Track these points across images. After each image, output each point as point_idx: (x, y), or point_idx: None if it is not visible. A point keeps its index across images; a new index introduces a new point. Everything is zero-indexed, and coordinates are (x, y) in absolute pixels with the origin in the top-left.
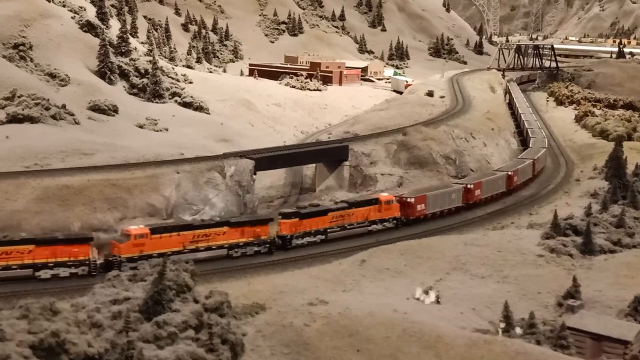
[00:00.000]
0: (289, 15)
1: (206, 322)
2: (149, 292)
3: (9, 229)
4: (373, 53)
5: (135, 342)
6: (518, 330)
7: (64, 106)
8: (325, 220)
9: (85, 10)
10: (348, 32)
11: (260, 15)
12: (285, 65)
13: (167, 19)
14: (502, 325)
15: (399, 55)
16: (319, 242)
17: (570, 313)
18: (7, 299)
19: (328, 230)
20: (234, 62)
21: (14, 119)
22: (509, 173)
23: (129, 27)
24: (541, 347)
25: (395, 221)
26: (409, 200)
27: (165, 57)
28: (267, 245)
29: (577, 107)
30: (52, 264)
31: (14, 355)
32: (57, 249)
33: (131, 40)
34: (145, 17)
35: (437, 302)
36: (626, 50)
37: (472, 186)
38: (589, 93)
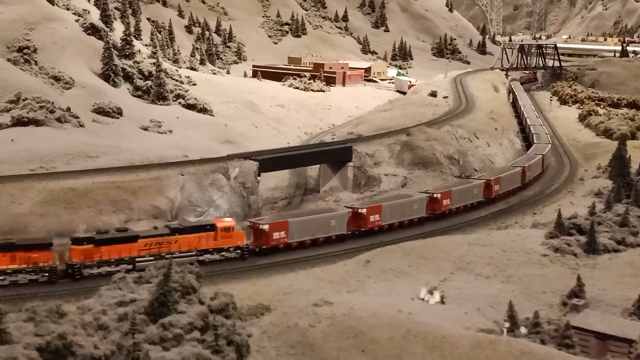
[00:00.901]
0: (292, 16)
1: (212, 324)
2: (154, 294)
3: (15, 232)
4: (376, 53)
5: (141, 344)
6: (523, 330)
7: (68, 109)
8: (134, 247)
9: (89, 13)
10: (351, 33)
11: (263, 16)
12: (289, 67)
13: (170, 21)
14: (507, 325)
15: (402, 55)
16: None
17: (574, 312)
18: (13, 302)
19: (137, 259)
20: (237, 63)
21: (18, 122)
22: (435, 195)
23: (132, 29)
24: (546, 347)
25: (239, 251)
26: (261, 227)
27: (169, 59)
28: (46, 274)
29: (581, 106)
30: None
31: (21, 357)
32: None
33: (135, 42)
34: (148, 19)
35: (442, 302)
36: (630, 49)
37: (364, 211)
38: (593, 92)
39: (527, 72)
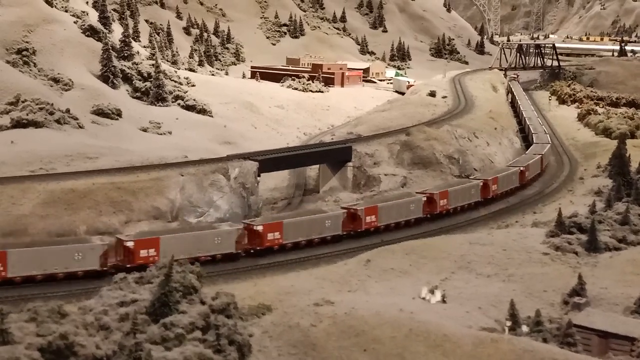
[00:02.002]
0: (290, 17)
1: (213, 323)
2: (155, 294)
3: (16, 234)
4: (374, 54)
5: (142, 343)
6: (524, 329)
7: (68, 110)
8: None
9: (87, 15)
10: (349, 34)
11: (261, 17)
12: (287, 68)
13: (168, 22)
14: (509, 323)
15: (400, 56)
16: None
17: (576, 311)
18: (15, 303)
19: None
20: (235, 64)
21: (18, 124)
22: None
23: (131, 31)
24: (548, 345)
25: None
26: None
27: (167, 61)
28: None
29: (580, 106)
30: None
31: (23, 357)
32: None
33: (133, 44)
34: (147, 21)
35: (443, 301)
36: (628, 48)
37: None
38: (592, 91)
39: (514, 74)
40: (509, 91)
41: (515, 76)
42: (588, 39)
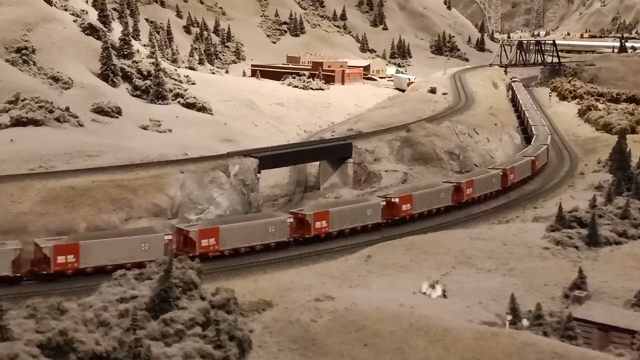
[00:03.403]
0: (291, 15)
1: (213, 319)
2: (155, 290)
3: (15, 231)
4: (375, 52)
5: (142, 339)
6: (525, 322)
7: (67, 109)
8: None
9: (87, 13)
10: (349, 32)
11: (261, 16)
12: (288, 66)
13: (168, 21)
14: (509, 317)
15: (400, 53)
16: None
17: (577, 304)
18: (14, 299)
19: None
20: (236, 63)
21: (18, 122)
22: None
23: (131, 29)
24: (548, 339)
25: None
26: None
27: (167, 59)
28: None
29: (580, 102)
30: None
31: (22, 354)
32: None
33: (133, 42)
34: (146, 19)
35: (444, 296)
36: (628, 44)
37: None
38: (592, 87)
39: (513, 78)
40: (510, 87)
41: (517, 80)
42: (569, 34)
